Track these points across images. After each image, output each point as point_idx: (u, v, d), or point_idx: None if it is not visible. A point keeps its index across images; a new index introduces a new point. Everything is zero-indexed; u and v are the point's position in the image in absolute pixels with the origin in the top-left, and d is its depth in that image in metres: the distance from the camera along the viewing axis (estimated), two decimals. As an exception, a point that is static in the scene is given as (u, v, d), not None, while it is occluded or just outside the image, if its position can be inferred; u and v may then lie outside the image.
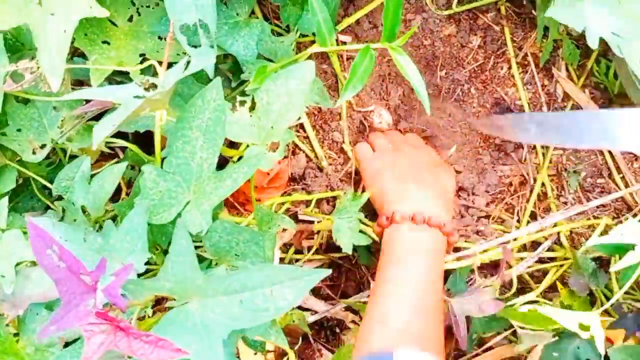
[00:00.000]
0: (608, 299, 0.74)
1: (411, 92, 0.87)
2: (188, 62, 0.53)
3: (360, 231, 0.74)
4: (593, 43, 0.64)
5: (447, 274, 0.77)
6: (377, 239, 0.74)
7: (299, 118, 0.81)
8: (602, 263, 0.79)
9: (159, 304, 0.52)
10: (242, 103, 0.60)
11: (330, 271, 0.47)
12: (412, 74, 0.57)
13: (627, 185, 0.83)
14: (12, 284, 0.52)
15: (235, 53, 0.66)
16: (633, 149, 0.59)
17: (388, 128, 0.87)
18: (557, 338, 0.73)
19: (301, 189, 0.83)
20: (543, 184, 0.84)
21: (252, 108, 0.60)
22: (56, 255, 0.42)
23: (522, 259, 0.81)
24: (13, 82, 0.55)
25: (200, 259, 0.62)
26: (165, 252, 0.63)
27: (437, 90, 0.88)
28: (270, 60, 0.67)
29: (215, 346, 0.45)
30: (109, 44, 0.62)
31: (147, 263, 0.54)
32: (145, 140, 0.71)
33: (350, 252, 0.71)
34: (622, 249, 0.66)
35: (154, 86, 0.54)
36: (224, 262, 0.56)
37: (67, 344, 0.55)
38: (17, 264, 0.53)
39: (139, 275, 0.53)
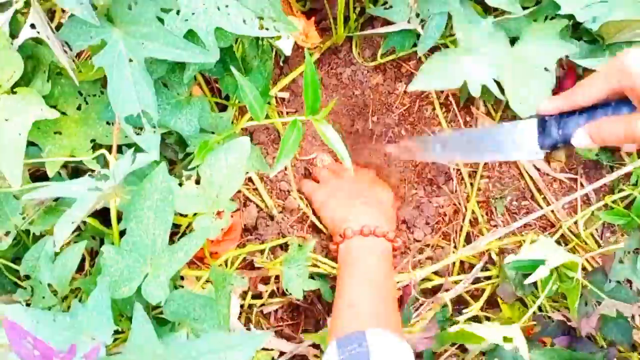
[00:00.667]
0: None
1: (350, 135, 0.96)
2: (134, 155, 0.59)
3: (311, 277, 0.81)
4: (475, 91, 0.73)
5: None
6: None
7: (247, 173, 0.88)
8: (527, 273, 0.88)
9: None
10: (188, 177, 0.66)
11: (271, 333, 0.54)
12: (334, 142, 0.64)
13: (548, 204, 0.92)
14: (-10, 371, 0.57)
15: (179, 130, 0.72)
16: (521, 157, 0.67)
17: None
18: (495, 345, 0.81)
19: (255, 238, 0.90)
20: (474, 211, 0.92)
21: (198, 181, 0.66)
22: (30, 345, 0.48)
23: (460, 280, 0.89)
24: (-23, 184, 0.60)
25: (164, 322, 0.68)
26: (131, 319, 0.69)
27: (370, 134, 0.96)
28: (212, 133, 0.74)
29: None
30: (60, 133, 0.67)
31: (114, 332, 0.60)
32: (101, 211, 0.76)
33: (301, 298, 0.78)
34: (536, 266, 0.75)
35: (106, 176, 0.60)
36: (184, 326, 0.62)
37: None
38: (-8, 350, 0.58)
39: (107, 347, 0.59)
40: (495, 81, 0.72)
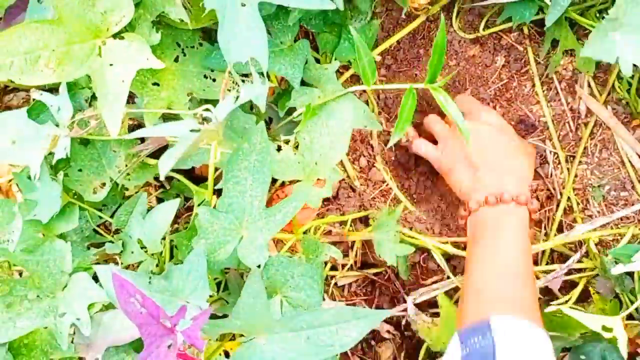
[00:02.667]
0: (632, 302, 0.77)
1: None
2: (236, 97, 0.56)
3: (401, 241, 0.77)
4: (627, 71, 0.67)
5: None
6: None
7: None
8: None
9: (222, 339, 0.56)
10: (287, 141, 0.63)
11: (390, 312, 0.50)
12: (453, 113, 0.59)
13: (649, 197, 0.86)
14: (89, 326, 0.55)
15: (284, 74, 0.68)
16: None
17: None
18: (582, 341, 0.76)
19: (335, 208, 0.86)
20: (569, 198, 0.86)
21: (297, 146, 0.63)
22: (138, 303, 0.46)
23: (551, 271, 0.84)
24: (79, 129, 0.58)
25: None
26: (218, 283, 0.66)
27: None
28: (315, 87, 0.69)
29: (282, 380, 0.48)
30: (158, 85, 0.64)
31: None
32: (187, 171, 0.74)
33: (394, 263, 0.74)
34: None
35: (207, 120, 0.57)
36: (278, 293, 0.59)
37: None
38: (89, 307, 0.56)
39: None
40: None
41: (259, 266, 0.56)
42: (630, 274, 0.81)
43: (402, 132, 0.59)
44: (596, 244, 0.85)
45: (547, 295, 0.85)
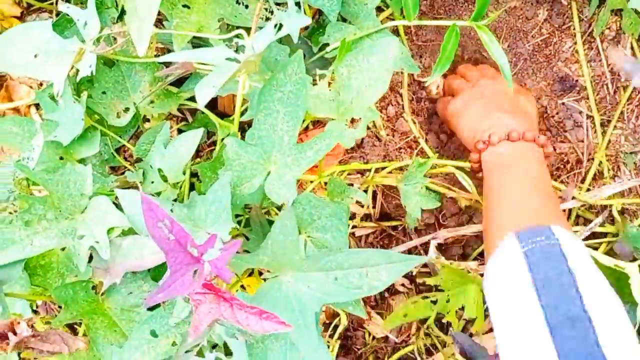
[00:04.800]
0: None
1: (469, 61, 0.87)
2: (276, 26, 0.53)
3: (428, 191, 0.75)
4: None
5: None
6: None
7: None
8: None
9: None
10: (322, 76, 0.60)
11: (425, 258, 0.48)
12: (497, 53, 0.56)
13: (684, 167, 0.83)
14: (108, 249, 0.53)
15: (320, 6, 0.64)
16: None
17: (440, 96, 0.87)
18: None
19: (359, 157, 0.84)
20: (600, 163, 0.84)
21: (331, 83, 0.59)
22: (167, 229, 0.44)
23: (575, 232, 0.82)
24: (106, 45, 0.55)
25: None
26: (239, 221, 0.64)
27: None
28: (351, 23, 0.66)
29: (308, 318, 0.47)
30: (189, 7, 0.61)
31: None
32: (210, 104, 0.71)
33: (419, 216, 0.72)
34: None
35: (241, 49, 0.54)
36: (303, 232, 0.57)
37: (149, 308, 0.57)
38: (109, 231, 0.54)
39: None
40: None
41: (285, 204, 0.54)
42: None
43: (444, 69, 0.56)
44: (619, 212, 0.83)
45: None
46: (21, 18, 0.81)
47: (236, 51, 0.53)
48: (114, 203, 0.58)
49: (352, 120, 0.60)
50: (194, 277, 0.45)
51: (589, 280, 0.52)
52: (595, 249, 0.83)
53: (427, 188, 0.74)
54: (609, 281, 0.54)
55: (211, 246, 0.43)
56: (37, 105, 0.84)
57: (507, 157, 0.69)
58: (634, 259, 0.79)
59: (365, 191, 0.80)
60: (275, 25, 0.52)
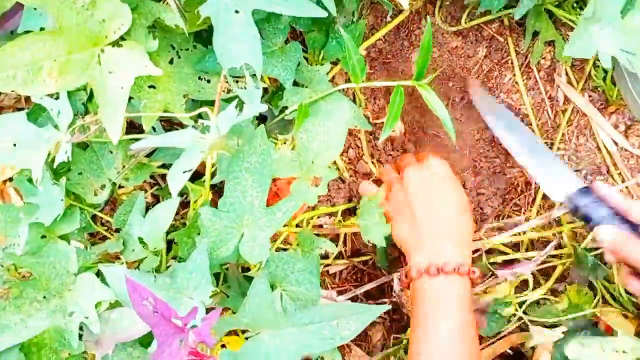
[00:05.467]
0: (606, 289, 0.82)
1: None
2: (237, 106, 0.58)
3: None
4: (606, 64, 0.70)
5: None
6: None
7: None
8: (601, 256, 0.86)
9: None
10: (284, 141, 0.65)
11: (388, 307, 0.54)
12: (438, 109, 0.62)
13: (623, 181, 0.90)
14: (98, 324, 0.57)
15: (277, 76, 0.69)
16: (545, 190, 0.81)
17: (399, 135, 0.93)
18: (565, 337, 0.80)
19: (326, 200, 0.89)
20: (547, 184, 0.90)
21: (294, 145, 0.65)
22: (151, 305, 0.48)
23: (531, 257, 0.88)
24: (80, 135, 0.59)
25: (250, 279, 0.69)
26: (217, 276, 0.69)
27: (447, 98, 0.94)
28: (306, 87, 0.72)
29: (288, 372, 0.52)
30: (154, 87, 0.66)
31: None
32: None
33: (384, 245, 0.76)
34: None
35: (208, 128, 0.59)
36: (278, 287, 0.62)
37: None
38: (97, 305, 0.58)
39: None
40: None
41: (260, 263, 0.59)
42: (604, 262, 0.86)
43: (391, 129, 0.61)
44: (570, 236, 0.89)
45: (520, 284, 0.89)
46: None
47: (202, 131, 0.58)
48: (97, 275, 0.63)
49: (315, 179, 0.65)
50: (180, 345, 0.50)
51: None
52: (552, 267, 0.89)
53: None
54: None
55: (194, 316, 0.48)
56: (11, 179, 0.87)
57: (421, 300, 0.68)
58: (589, 284, 0.85)
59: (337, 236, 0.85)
60: (236, 106, 0.57)
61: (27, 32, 0.68)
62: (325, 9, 0.59)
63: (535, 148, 0.83)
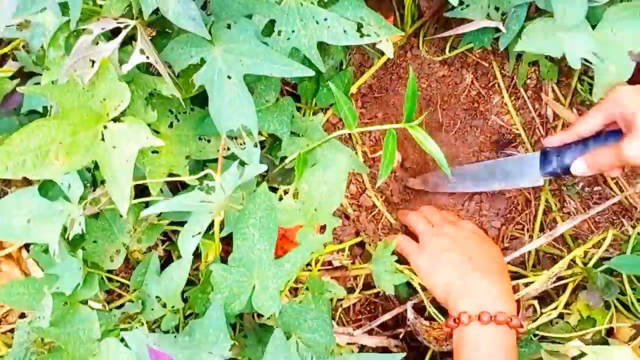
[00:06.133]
0: (620, 302, 0.84)
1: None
2: (241, 167, 0.61)
3: (397, 271, 0.82)
4: (575, 64, 0.73)
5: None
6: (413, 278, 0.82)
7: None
8: (613, 273, 0.87)
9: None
10: (285, 192, 0.68)
11: (400, 355, 0.55)
12: (432, 148, 0.65)
13: (621, 189, 0.92)
14: (123, 391, 0.60)
15: (274, 131, 0.72)
16: (524, 185, 0.84)
17: (397, 165, 0.96)
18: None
19: (333, 238, 0.91)
20: (547, 200, 0.93)
21: (296, 194, 0.68)
22: (174, 372, 0.50)
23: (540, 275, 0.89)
24: (92, 207, 0.62)
25: (267, 329, 0.71)
26: (234, 326, 0.71)
27: (439, 125, 0.96)
28: (302, 136, 0.74)
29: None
30: (158, 152, 0.69)
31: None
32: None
33: (392, 292, 0.79)
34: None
35: (213, 188, 0.62)
36: (293, 335, 0.65)
37: None
38: (120, 371, 0.61)
39: (226, 360, 0.61)
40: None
41: (274, 315, 0.61)
42: (617, 277, 0.86)
43: (388, 171, 0.64)
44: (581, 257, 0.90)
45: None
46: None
47: (207, 192, 0.60)
48: (120, 340, 0.65)
49: (320, 227, 0.68)
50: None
51: None
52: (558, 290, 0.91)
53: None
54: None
55: (217, 381, 0.50)
56: (26, 246, 0.90)
57: (472, 347, 0.69)
58: (606, 304, 0.86)
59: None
60: (239, 164, 0.60)
61: (31, 111, 0.72)
62: (313, 66, 0.62)
63: (484, 170, 0.88)
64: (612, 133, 0.72)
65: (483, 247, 0.79)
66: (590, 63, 0.74)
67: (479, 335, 0.69)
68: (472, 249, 0.77)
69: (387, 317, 0.88)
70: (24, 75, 0.74)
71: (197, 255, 0.85)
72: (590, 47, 0.74)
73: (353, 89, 0.90)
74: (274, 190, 0.73)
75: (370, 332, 0.94)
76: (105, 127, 0.60)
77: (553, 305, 0.85)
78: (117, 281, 0.79)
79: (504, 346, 0.69)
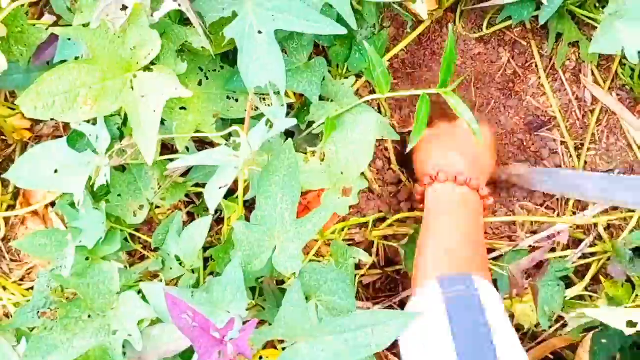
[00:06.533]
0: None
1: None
2: (267, 123, 0.60)
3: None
4: (633, 59, 0.70)
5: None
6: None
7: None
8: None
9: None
10: (313, 153, 0.66)
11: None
12: (466, 115, 0.63)
13: (658, 177, 0.89)
14: (140, 341, 0.59)
15: (303, 91, 0.71)
16: (627, 205, 0.83)
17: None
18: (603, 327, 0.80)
19: (356, 212, 0.90)
20: (580, 185, 0.90)
21: (323, 157, 0.66)
22: (190, 318, 0.50)
23: (566, 256, 0.87)
24: (118, 158, 0.62)
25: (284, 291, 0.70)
26: (254, 290, 0.70)
27: (472, 104, 0.94)
28: (332, 101, 0.73)
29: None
30: (185, 109, 0.68)
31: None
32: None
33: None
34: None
35: (239, 145, 0.61)
36: (313, 297, 0.63)
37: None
38: (139, 323, 0.60)
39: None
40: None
41: (294, 274, 0.60)
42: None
43: (419, 136, 0.62)
44: (605, 229, 0.88)
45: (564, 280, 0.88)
46: (31, 129, 0.88)
47: (234, 149, 0.60)
48: (138, 294, 0.65)
49: (344, 189, 0.66)
50: (220, 357, 0.51)
51: (503, 334, 0.57)
52: (588, 268, 0.88)
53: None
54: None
55: (231, 328, 0.49)
56: (52, 204, 0.90)
57: (447, 201, 0.74)
58: (628, 279, 0.84)
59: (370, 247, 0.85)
60: (266, 123, 0.59)
61: (63, 61, 0.72)
62: (346, 25, 0.60)
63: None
64: None
65: (474, 145, 0.80)
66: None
67: (452, 192, 0.74)
68: (460, 141, 0.80)
69: (406, 293, 0.86)
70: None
71: (219, 220, 0.84)
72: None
73: (385, 62, 0.88)
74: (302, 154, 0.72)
75: (389, 309, 0.92)
76: (135, 76, 0.60)
77: (581, 283, 0.83)
78: (140, 241, 0.79)
79: (463, 201, 0.74)
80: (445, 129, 0.83)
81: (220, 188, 0.55)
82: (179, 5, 0.56)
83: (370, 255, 0.90)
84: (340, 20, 0.63)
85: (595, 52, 0.85)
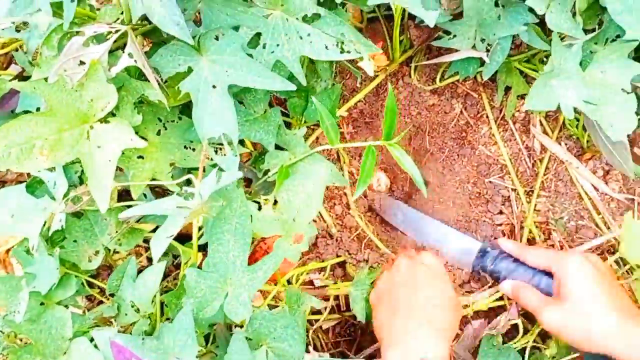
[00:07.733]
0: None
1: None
2: (219, 174, 0.62)
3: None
4: (569, 114, 0.74)
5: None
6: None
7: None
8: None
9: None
10: (266, 200, 0.69)
11: None
12: (408, 165, 0.66)
13: (605, 223, 0.93)
14: (90, 388, 0.60)
15: (259, 140, 0.74)
16: (453, 262, 0.88)
17: (385, 190, 0.97)
18: None
19: (315, 256, 0.92)
20: (531, 231, 0.93)
21: (275, 203, 0.69)
22: (135, 366, 0.51)
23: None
24: (73, 205, 0.64)
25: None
26: (207, 336, 0.71)
27: (427, 152, 0.98)
28: (285, 150, 0.76)
29: None
30: (143, 158, 0.70)
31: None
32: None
33: (363, 320, 0.79)
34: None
35: (192, 195, 0.63)
36: (263, 343, 0.65)
37: None
38: (90, 369, 0.61)
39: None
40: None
41: (242, 324, 0.61)
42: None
43: (365, 186, 0.65)
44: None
45: (508, 333, 0.90)
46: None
47: (185, 198, 0.62)
48: (91, 341, 0.65)
49: (297, 236, 0.68)
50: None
51: None
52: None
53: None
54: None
55: (176, 377, 0.50)
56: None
57: None
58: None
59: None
60: (217, 174, 0.61)
61: (26, 111, 0.74)
62: (298, 83, 0.64)
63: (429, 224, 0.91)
64: (546, 276, 0.77)
65: (430, 290, 0.73)
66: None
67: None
68: (414, 293, 0.72)
69: (370, 350, 0.88)
70: (23, 79, 0.77)
71: (178, 265, 0.86)
72: (582, 94, 0.76)
73: (343, 112, 0.92)
74: (256, 202, 0.74)
75: (346, 356, 0.93)
76: (91, 127, 0.62)
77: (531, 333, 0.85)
78: (97, 287, 0.79)
79: None
80: (403, 278, 0.75)
81: (167, 237, 0.57)
82: (135, 61, 0.59)
83: (329, 301, 0.91)
84: (293, 75, 0.67)
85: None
